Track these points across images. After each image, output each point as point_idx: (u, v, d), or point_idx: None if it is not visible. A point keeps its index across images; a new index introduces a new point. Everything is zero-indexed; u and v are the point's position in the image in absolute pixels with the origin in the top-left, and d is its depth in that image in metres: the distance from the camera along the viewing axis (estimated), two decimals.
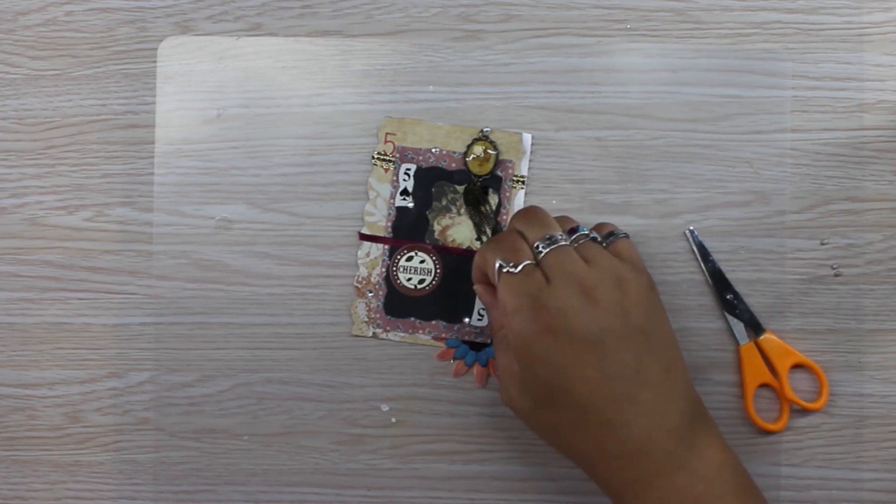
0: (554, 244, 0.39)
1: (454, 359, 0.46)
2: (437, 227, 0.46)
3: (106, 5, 0.47)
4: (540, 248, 0.39)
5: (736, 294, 0.45)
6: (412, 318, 0.46)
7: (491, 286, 0.41)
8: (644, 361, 0.37)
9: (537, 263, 0.39)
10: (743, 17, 0.46)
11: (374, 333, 0.46)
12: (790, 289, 0.45)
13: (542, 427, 0.40)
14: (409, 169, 0.46)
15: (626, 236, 0.42)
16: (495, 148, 0.45)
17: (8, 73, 0.47)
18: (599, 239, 0.41)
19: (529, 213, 0.41)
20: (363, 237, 0.46)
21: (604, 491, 0.39)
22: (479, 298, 0.43)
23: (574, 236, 0.40)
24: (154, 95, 0.47)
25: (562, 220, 0.42)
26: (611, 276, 0.38)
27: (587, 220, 0.46)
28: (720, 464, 0.37)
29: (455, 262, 0.46)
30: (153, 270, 0.46)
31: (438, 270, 0.46)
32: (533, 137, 0.46)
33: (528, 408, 0.39)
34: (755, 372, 0.45)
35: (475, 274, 0.42)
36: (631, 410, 0.37)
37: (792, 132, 0.46)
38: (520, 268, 0.38)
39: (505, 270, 0.39)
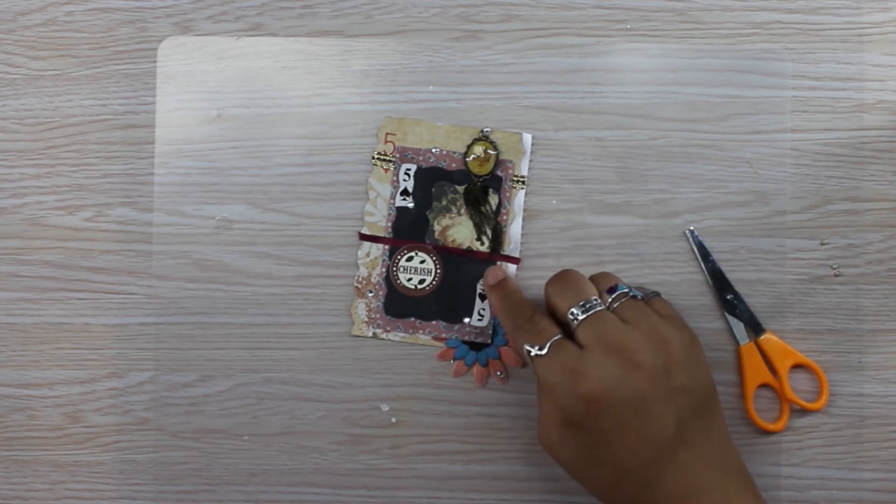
0: (590, 310, 0.39)
1: (454, 359, 0.46)
2: (437, 227, 0.46)
3: (106, 5, 0.47)
4: (576, 315, 0.39)
5: (736, 294, 0.45)
6: (412, 318, 0.46)
7: None
8: (684, 420, 0.37)
9: (574, 331, 0.39)
10: (743, 17, 0.46)
11: (374, 333, 0.46)
12: (790, 289, 0.45)
13: (578, 476, 0.39)
14: (409, 169, 0.46)
15: (658, 294, 0.42)
16: (495, 148, 0.45)
17: (8, 73, 0.47)
18: (640, 296, 0.41)
19: (562, 278, 0.41)
20: (363, 237, 0.46)
21: None
22: None
23: (612, 296, 0.40)
24: (154, 95, 0.47)
25: (601, 277, 0.42)
26: (653, 338, 0.38)
27: (587, 220, 0.46)
28: None
29: (455, 262, 0.46)
30: (153, 270, 0.46)
31: (438, 270, 0.46)
32: (533, 137, 0.46)
33: (566, 459, 0.39)
34: (755, 372, 0.45)
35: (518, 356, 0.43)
36: (668, 470, 0.37)
37: (792, 132, 0.46)
38: (546, 348, 0.39)
39: (533, 354, 0.39)
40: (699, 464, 0.37)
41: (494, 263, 0.46)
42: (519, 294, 0.43)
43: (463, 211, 0.46)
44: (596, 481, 0.39)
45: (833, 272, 0.45)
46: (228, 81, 0.46)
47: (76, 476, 0.47)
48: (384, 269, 0.46)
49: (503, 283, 0.44)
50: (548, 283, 0.41)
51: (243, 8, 0.47)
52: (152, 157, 0.46)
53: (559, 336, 0.39)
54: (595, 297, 0.39)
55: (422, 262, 0.46)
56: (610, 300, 0.40)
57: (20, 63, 0.47)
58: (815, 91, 0.46)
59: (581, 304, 0.39)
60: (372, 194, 0.46)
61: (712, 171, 0.46)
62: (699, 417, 0.38)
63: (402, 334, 0.46)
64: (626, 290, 0.40)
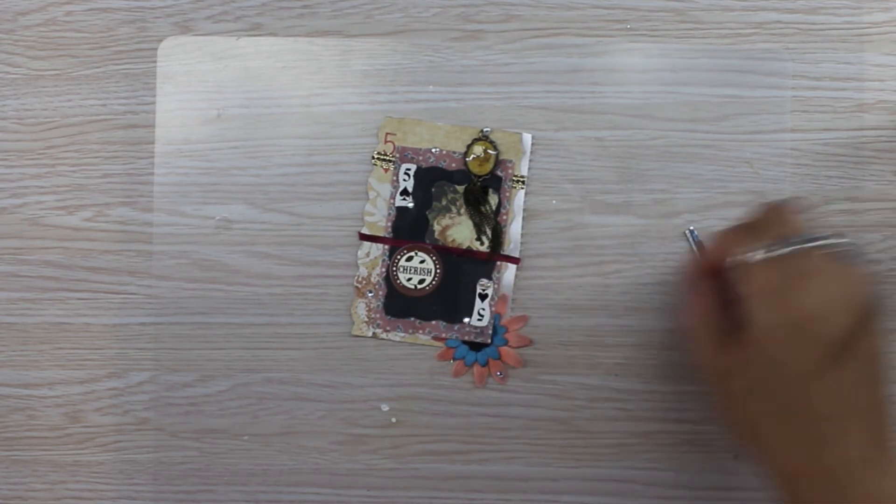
0: (815, 241, 0.35)
1: (454, 359, 0.46)
2: (437, 227, 0.46)
3: (106, 5, 0.47)
4: (802, 242, 0.36)
5: None
6: (412, 318, 0.46)
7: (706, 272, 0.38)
8: (881, 380, 0.34)
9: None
10: (743, 17, 0.46)
11: (374, 333, 0.46)
12: None
13: (731, 401, 0.36)
14: (409, 169, 0.46)
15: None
16: (495, 148, 0.45)
17: (8, 73, 0.47)
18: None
19: (783, 209, 0.38)
20: (363, 237, 0.46)
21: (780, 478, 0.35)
22: (685, 280, 0.41)
23: (821, 242, 0.37)
24: (154, 95, 0.47)
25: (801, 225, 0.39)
26: (866, 282, 0.35)
27: (587, 220, 0.46)
28: None
29: (455, 262, 0.46)
30: (153, 270, 0.46)
31: (438, 270, 0.46)
32: (533, 137, 0.46)
33: (723, 373, 0.36)
34: None
35: (711, 255, 0.39)
36: (853, 431, 0.33)
37: (792, 132, 0.46)
38: (788, 249, 0.35)
39: (769, 253, 0.35)
40: (877, 433, 0.34)
41: (494, 263, 0.46)
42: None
43: (463, 211, 0.46)
44: (758, 415, 0.35)
45: None
46: (228, 81, 0.46)
47: (76, 476, 0.47)
48: (384, 269, 0.46)
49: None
50: (770, 207, 0.38)
51: (243, 8, 0.47)
52: (152, 157, 0.46)
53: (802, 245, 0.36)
54: (819, 234, 0.37)
55: (422, 261, 0.46)
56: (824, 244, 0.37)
57: (20, 63, 0.47)
58: (815, 91, 0.46)
59: (806, 236, 0.36)
60: (372, 194, 0.46)
61: (712, 171, 0.46)
62: (884, 383, 0.35)
63: (402, 334, 0.46)
64: (838, 242, 0.37)
